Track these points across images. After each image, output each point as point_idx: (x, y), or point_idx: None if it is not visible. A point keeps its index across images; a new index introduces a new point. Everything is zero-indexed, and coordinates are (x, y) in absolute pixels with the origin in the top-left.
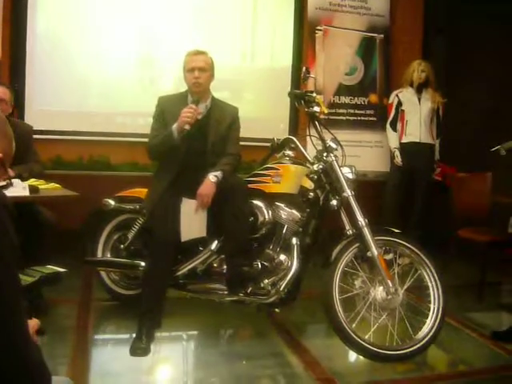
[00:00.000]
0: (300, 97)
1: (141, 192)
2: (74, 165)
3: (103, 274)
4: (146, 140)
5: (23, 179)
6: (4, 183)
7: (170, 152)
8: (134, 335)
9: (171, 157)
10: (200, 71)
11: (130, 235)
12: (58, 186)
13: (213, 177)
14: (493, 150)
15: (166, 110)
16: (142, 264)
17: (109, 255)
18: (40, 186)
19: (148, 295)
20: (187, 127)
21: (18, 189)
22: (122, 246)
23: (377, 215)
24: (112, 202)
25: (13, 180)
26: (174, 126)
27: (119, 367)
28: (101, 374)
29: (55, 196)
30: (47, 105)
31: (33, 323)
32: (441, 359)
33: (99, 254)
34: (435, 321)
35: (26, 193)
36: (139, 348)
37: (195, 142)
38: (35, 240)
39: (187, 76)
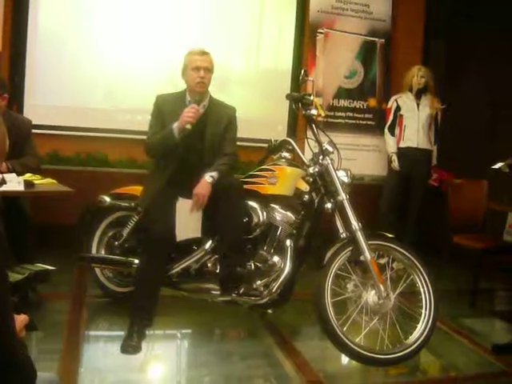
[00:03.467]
0: (297, 99)
1: (137, 189)
2: (71, 160)
3: (97, 270)
4: (144, 137)
5: (18, 174)
6: None
7: (167, 151)
8: (125, 333)
9: (168, 155)
10: (205, 71)
11: (125, 232)
12: (53, 181)
13: (209, 177)
14: (495, 167)
15: (165, 108)
16: (136, 261)
17: (103, 252)
18: (35, 181)
19: (141, 293)
20: (189, 127)
21: (13, 183)
22: (116, 243)
23: (373, 219)
24: (107, 199)
25: (9, 175)
26: (175, 125)
27: (110, 364)
28: (91, 370)
29: (50, 191)
30: (46, 100)
31: (21, 318)
32: (432, 364)
33: (94, 250)
34: (426, 326)
35: (21, 188)
36: (130, 346)
37: (192, 141)
38: (23, 234)
39: (191, 74)
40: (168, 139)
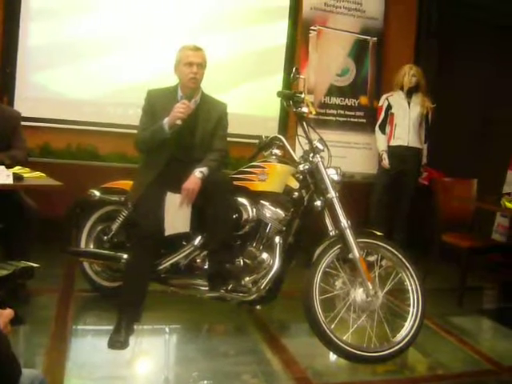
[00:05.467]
0: (288, 97)
1: (127, 184)
2: (61, 153)
3: (86, 264)
4: (135, 131)
5: (7, 166)
6: None
7: (157, 145)
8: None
9: (158, 150)
10: (198, 67)
11: (114, 227)
12: (42, 174)
13: (198, 172)
14: None
15: (156, 103)
16: (125, 256)
17: (92, 246)
18: (24, 175)
19: (129, 288)
20: (179, 122)
21: (2, 176)
22: (105, 237)
23: (363, 217)
24: (97, 193)
25: None
26: (166, 121)
27: (97, 359)
28: (78, 365)
29: (39, 185)
30: (37, 92)
31: (5, 313)
32: (420, 362)
33: (82, 244)
34: (414, 324)
35: (10, 181)
36: (117, 341)
37: (183, 136)
38: (19, 227)
39: (183, 70)
40: (158, 134)
